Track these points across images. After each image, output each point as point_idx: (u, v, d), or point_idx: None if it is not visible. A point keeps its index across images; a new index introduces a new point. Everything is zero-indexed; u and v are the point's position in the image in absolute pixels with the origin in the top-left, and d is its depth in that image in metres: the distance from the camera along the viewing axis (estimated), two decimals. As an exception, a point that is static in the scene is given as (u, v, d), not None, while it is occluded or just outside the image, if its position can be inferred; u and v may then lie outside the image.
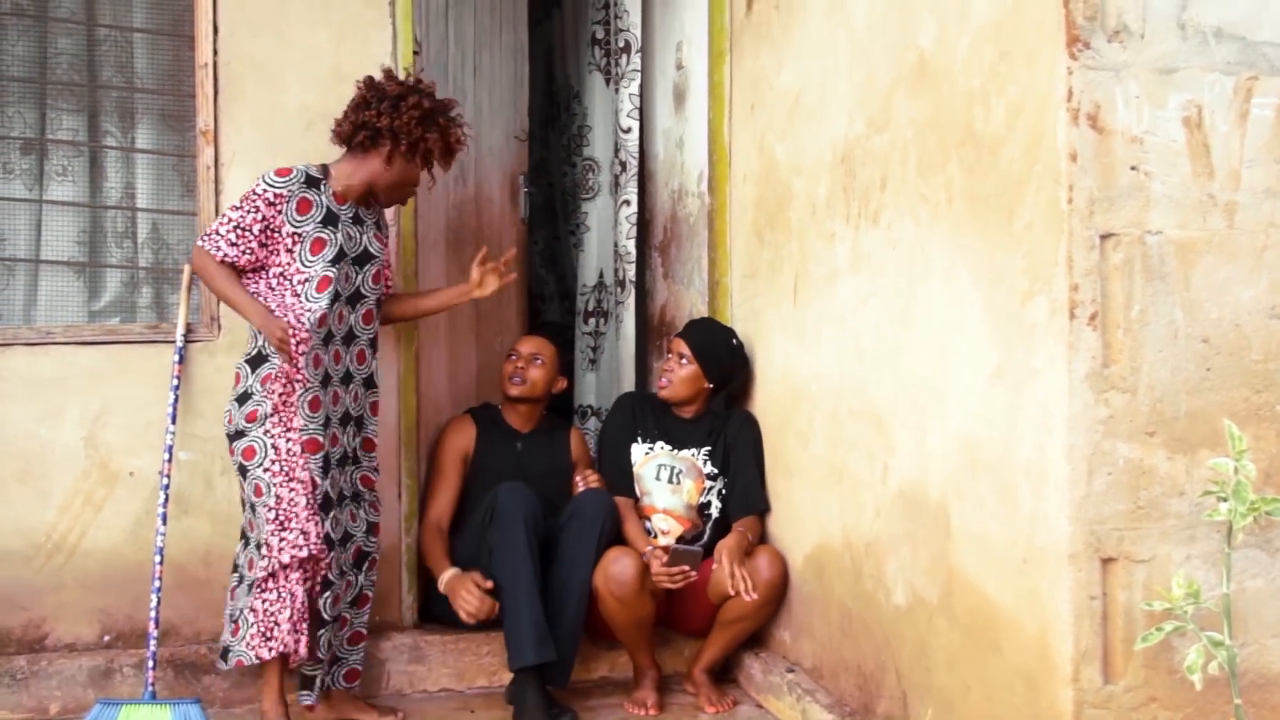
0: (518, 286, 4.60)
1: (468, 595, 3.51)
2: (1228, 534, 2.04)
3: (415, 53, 3.85)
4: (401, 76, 3.48)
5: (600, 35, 4.79)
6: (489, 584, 3.50)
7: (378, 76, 3.40)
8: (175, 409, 3.56)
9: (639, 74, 4.48)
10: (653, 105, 4.58)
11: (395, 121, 3.29)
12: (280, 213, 3.28)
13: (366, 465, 3.51)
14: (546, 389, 3.95)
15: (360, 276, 3.40)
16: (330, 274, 3.30)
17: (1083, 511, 2.34)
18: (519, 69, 4.59)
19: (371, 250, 3.42)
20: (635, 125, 4.48)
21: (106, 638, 3.65)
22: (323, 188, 3.35)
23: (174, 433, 3.55)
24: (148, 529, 3.58)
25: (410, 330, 3.87)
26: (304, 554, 3.19)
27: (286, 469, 3.22)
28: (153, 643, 3.42)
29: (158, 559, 3.46)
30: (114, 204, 3.86)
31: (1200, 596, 2.04)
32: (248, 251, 3.27)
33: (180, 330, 3.61)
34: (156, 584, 3.45)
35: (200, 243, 3.30)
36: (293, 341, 3.22)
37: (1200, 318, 2.38)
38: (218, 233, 3.27)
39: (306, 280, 3.29)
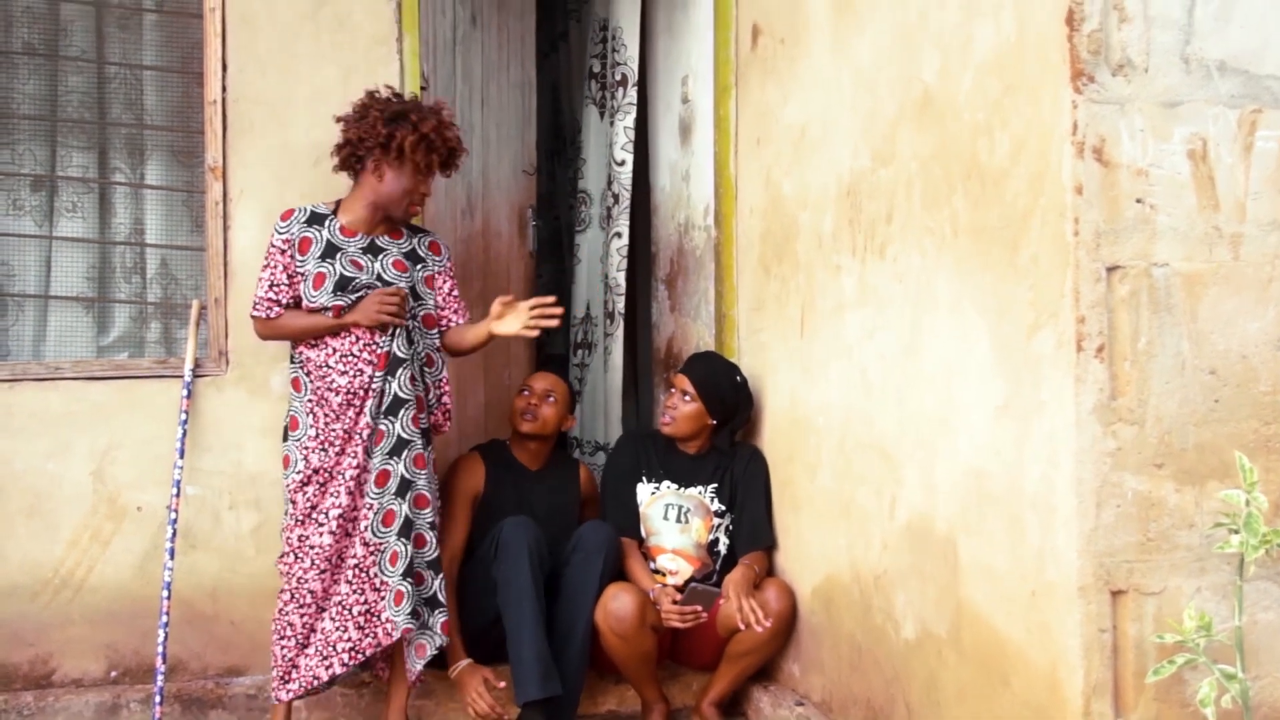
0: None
1: (478, 698, 3.45)
2: (1240, 566, 2.03)
3: (422, 88, 3.88)
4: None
5: (597, 69, 4.79)
6: (501, 684, 3.45)
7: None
8: (183, 444, 3.57)
9: (634, 107, 4.48)
10: (657, 139, 4.60)
11: (361, 130, 3.29)
12: (292, 257, 3.33)
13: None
14: (557, 426, 3.92)
15: None
16: (342, 303, 3.30)
17: (1092, 544, 2.33)
18: (527, 103, 4.58)
19: (386, 278, 3.36)
20: (629, 158, 4.48)
21: (114, 673, 3.64)
22: (328, 223, 3.36)
23: (182, 468, 3.56)
24: (155, 564, 3.59)
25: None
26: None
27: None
28: (160, 678, 3.42)
29: (165, 594, 3.46)
30: (123, 239, 3.88)
31: (1212, 629, 2.03)
32: (288, 296, 3.33)
33: (188, 365, 3.63)
34: (164, 619, 3.45)
35: (254, 314, 3.35)
36: (383, 307, 3.26)
37: (1207, 349, 2.37)
38: (262, 299, 3.34)
39: (318, 312, 3.32)
